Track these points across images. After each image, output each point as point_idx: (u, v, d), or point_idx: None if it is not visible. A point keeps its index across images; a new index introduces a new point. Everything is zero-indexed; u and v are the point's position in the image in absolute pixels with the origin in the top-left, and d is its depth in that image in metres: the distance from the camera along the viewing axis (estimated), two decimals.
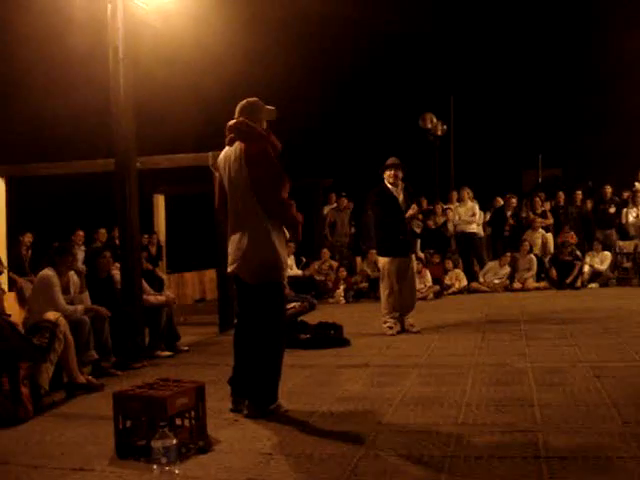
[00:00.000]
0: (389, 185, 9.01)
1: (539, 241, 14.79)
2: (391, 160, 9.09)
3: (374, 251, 8.97)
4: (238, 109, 5.28)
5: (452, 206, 15.53)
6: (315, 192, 16.52)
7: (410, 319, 9.00)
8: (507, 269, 14.14)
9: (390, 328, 8.80)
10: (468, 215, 15.15)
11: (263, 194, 4.97)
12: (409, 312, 9.04)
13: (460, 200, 15.41)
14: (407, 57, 25.92)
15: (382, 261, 9.06)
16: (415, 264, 9.40)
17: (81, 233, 13.54)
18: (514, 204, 15.32)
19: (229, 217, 5.19)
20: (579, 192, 15.54)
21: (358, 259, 16.12)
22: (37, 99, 13.86)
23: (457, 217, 15.19)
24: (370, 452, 4.11)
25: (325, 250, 14.82)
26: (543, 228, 14.98)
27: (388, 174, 9.01)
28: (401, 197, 9.00)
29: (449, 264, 14.22)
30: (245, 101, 5.30)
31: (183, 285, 15.48)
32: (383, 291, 9.02)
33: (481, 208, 15.59)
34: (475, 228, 15.15)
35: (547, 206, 15.65)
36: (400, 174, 9.02)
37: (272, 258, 4.99)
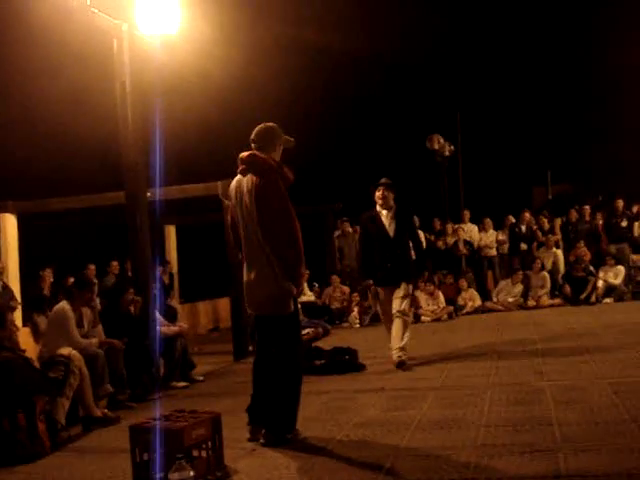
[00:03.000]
0: (378, 208, 8.28)
1: (551, 259, 14.73)
2: (381, 180, 8.35)
3: (371, 281, 8.28)
4: (254, 132, 5.26)
5: (464, 226, 15.54)
6: (326, 218, 16.55)
7: (402, 354, 7.99)
8: (520, 287, 14.07)
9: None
10: (491, 241, 15.31)
11: (270, 233, 4.98)
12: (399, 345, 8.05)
13: (483, 230, 15.42)
14: (412, 78, 26.04)
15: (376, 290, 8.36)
16: (405, 292, 8.09)
17: (92, 267, 13.58)
18: (527, 218, 15.36)
19: (243, 248, 5.21)
20: (587, 207, 15.50)
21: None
22: (47, 135, 13.99)
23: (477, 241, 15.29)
24: (389, 477, 4.08)
25: (334, 277, 14.73)
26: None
27: (377, 195, 8.25)
28: (389, 221, 8.19)
29: (463, 284, 14.15)
30: (263, 125, 5.28)
31: (196, 315, 15.46)
32: (384, 321, 8.49)
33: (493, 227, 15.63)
34: (494, 251, 15.31)
35: (558, 222, 15.63)
36: (390, 194, 8.23)
37: (276, 292, 5.00)
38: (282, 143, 5.31)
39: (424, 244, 14.78)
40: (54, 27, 7.90)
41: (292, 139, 5.38)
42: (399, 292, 8.05)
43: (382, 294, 8.25)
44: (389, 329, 8.19)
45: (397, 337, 7.98)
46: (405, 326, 8.04)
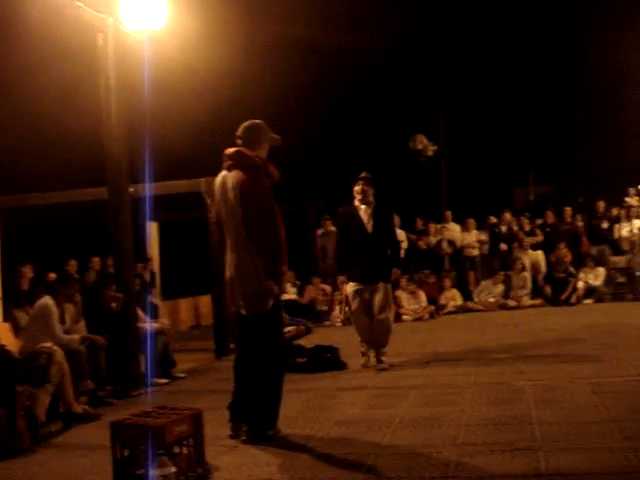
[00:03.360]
0: (357, 203, 8.04)
1: (526, 259, 14.73)
2: (361, 174, 8.10)
3: (343, 277, 8.10)
4: (240, 129, 5.24)
5: (448, 225, 15.59)
6: (306, 216, 16.56)
7: (382, 356, 7.96)
8: (501, 287, 14.14)
9: (363, 355, 8.08)
10: (473, 241, 15.29)
11: (253, 231, 4.99)
12: (381, 348, 8.00)
13: (466, 230, 15.42)
14: (395, 77, 26.07)
15: (347, 287, 8.11)
16: (384, 292, 7.92)
17: (74, 262, 13.49)
18: (508, 219, 15.38)
19: (226, 245, 5.20)
20: (568, 208, 15.57)
21: None
22: (28, 129, 13.89)
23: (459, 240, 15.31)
24: (370, 475, 4.09)
25: (315, 278, 14.69)
26: (532, 246, 14.95)
27: (356, 189, 8.01)
28: (367, 217, 7.95)
29: (447, 283, 14.20)
30: (249, 122, 5.27)
31: (177, 312, 15.41)
32: (352, 321, 8.34)
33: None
34: (476, 251, 15.32)
35: (537, 223, 15.69)
36: (369, 189, 7.98)
37: (258, 290, 5.01)
38: (268, 141, 5.30)
39: (406, 243, 14.92)
40: (39, 21, 7.83)
41: (278, 137, 5.37)
42: (379, 294, 7.87)
43: (354, 289, 7.94)
44: (359, 328, 8.04)
45: (378, 343, 7.95)
46: (388, 330, 7.98)
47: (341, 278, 8.20)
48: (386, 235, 8.11)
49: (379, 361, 7.89)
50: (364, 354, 8.06)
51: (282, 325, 5.45)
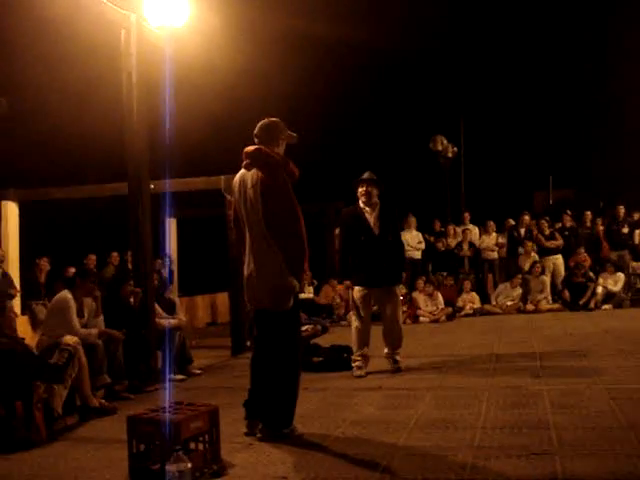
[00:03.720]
0: (361, 204, 7.82)
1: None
2: (364, 175, 7.85)
3: (349, 282, 7.79)
4: (258, 127, 5.24)
5: (470, 227, 15.54)
6: (325, 215, 16.57)
7: (397, 356, 7.84)
8: (519, 290, 14.07)
9: (359, 368, 7.65)
10: (492, 244, 15.25)
11: (275, 227, 4.99)
12: (395, 349, 7.85)
13: (485, 232, 15.37)
14: (416, 79, 26.05)
15: (354, 292, 7.76)
16: (394, 295, 7.80)
17: (93, 257, 13.59)
18: (527, 221, 15.28)
19: (245, 242, 5.21)
20: (588, 213, 15.48)
21: None
22: (51, 124, 14.00)
23: (477, 242, 15.27)
24: (385, 476, 4.08)
25: (332, 280, 14.62)
26: (552, 250, 14.81)
27: (360, 191, 7.78)
28: (373, 219, 7.74)
29: (467, 285, 14.14)
30: (266, 120, 5.27)
31: (194, 308, 15.47)
32: (352, 325, 7.89)
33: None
34: (495, 254, 15.25)
35: (557, 226, 15.60)
36: (374, 191, 7.76)
37: (278, 286, 5.00)
38: (285, 139, 5.30)
39: (423, 245, 14.90)
40: (63, 17, 7.88)
41: (295, 135, 5.37)
42: (389, 298, 7.75)
43: (361, 294, 7.70)
44: (362, 336, 7.74)
45: (391, 344, 7.84)
46: (400, 331, 7.89)
47: (347, 282, 7.89)
48: (391, 237, 7.89)
49: (395, 362, 7.83)
50: (360, 367, 7.66)
51: (300, 324, 5.44)
